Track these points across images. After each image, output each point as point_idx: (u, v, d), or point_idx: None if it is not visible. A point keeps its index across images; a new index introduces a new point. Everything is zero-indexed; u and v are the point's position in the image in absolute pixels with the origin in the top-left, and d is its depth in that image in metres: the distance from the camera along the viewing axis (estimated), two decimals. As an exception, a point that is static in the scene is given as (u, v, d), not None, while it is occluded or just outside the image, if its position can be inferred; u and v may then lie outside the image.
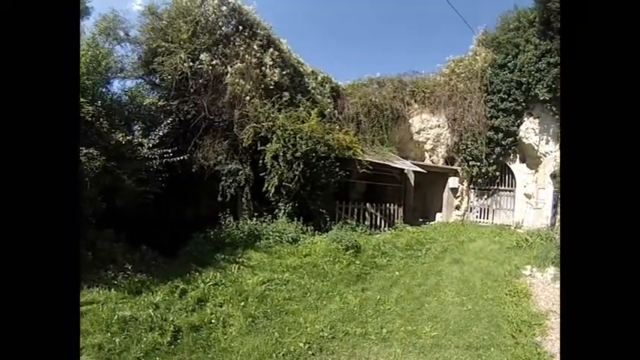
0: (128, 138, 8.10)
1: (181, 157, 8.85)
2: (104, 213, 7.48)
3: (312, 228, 10.17)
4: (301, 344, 5.00)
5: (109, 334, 4.96)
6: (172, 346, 4.98)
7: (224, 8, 11.47)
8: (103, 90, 9.50)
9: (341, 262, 8.17)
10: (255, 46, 11.58)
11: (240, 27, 11.59)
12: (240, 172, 10.44)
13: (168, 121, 9.03)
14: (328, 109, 13.54)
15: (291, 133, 10.50)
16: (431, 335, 5.52)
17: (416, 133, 16.64)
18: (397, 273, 8.40)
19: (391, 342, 5.32)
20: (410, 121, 16.55)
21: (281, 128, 10.56)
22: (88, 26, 11.37)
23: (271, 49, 11.94)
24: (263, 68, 11.57)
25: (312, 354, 4.83)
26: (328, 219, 11.08)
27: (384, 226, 13.63)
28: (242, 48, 11.39)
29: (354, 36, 36.91)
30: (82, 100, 7.44)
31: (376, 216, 13.67)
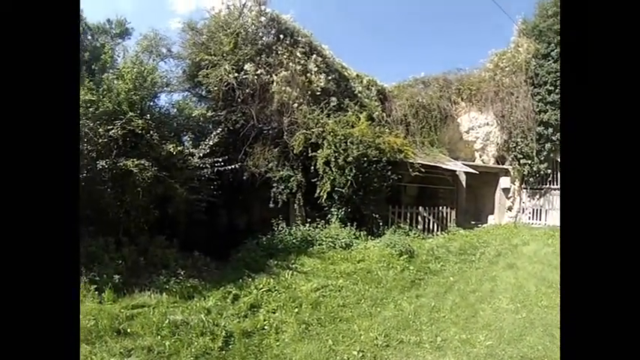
0: (179, 148, 8.18)
1: (232, 166, 8.88)
2: (157, 220, 7.64)
3: (365, 233, 9.94)
4: (355, 352, 4.79)
5: (159, 337, 4.94)
6: (223, 352, 4.88)
7: (262, 19, 11.54)
8: (151, 104, 9.67)
9: (395, 268, 7.91)
10: (298, 54, 11.53)
11: (281, 36, 11.61)
12: (292, 178, 10.37)
13: (218, 131, 9.11)
14: (376, 113, 13.28)
15: (342, 138, 10.36)
16: (485, 344, 5.18)
17: (465, 132, 15.99)
18: (451, 278, 8.06)
19: (445, 351, 5.03)
20: (458, 120, 15.92)
21: (331, 134, 10.43)
22: (130, 45, 11.85)
23: (314, 56, 11.89)
24: (308, 75, 11.50)
25: None
26: (381, 224, 10.81)
27: (437, 230, 13.09)
28: (285, 56, 11.36)
29: (391, 35, 36.29)
30: (131, 113, 7.69)
31: (429, 219, 13.17)
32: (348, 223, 9.99)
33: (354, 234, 9.70)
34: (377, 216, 10.83)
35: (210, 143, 8.72)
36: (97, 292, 5.98)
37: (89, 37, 12.75)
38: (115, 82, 8.42)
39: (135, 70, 8.60)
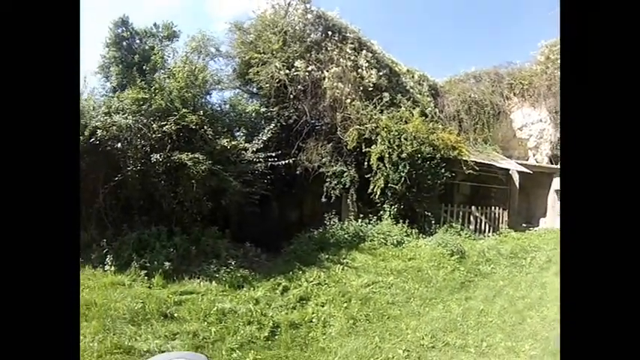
0: (233, 143, 8.32)
1: (286, 161, 8.94)
2: (210, 212, 7.73)
3: (417, 231, 9.66)
4: (400, 351, 4.65)
5: (205, 323, 4.98)
6: (269, 341, 4.86)
7: (309, 16, 11.45)
8: (203, 101, 9.91)
9: (445, 268, 7.65)
10: (347, 50, 11.38)
11: (329, 32, 11.50)
12: (345, 173, 10.21)
13: (271, 127, 9.20)
14: (429, 108, 12.89)
15: (396, 134, 10.15)
16: (529, 354, 4.92)
17: (518, 129, 15.13)
18: (501, 282, 7.70)
19: (489, 357, 4.82)
20: (511, 116, 15.10)
21: (385, 129, 10.23)
22: (179, 47, 12.09)
23: (364, 51, 11.70)
24: (359, 70, 11.33)
25: None
26: (433, 222, 10.43)
27: (489, 231, 12.46)
28: (335, 52, 11.24)
29: (438, 29, 35.11)
30: (184, 110, 7.86)
31: (481, 220, 12.55)
32: (400, 220, 9.73)
33: (406, 231, 9.44)
34: (429, 214, 10.48)
35: (264, 138, 8.81)
36: (146, 277, 6.14)
37: (137, 41, 13.19)
38: (167, 80, 8.64)
39: (185, 68, 8.82)
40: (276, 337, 5.00)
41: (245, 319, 5.18)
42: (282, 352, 4.68)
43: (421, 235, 9.58)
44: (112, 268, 6.37)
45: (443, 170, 10.54)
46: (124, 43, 12.96)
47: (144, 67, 11.04)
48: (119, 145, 7.39)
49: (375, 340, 5.00)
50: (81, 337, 4.56)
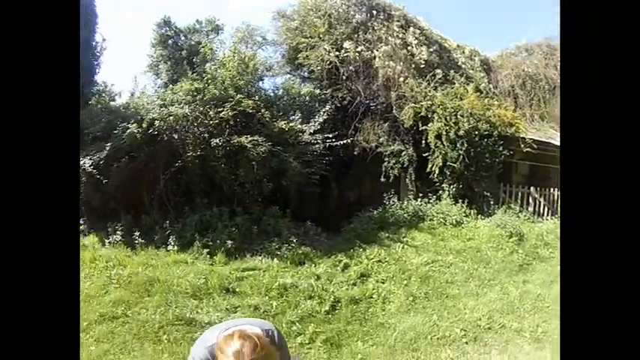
0: (290, 125, 8.45)
1: (343, 141, 8.99)
2: (270, 193, 7.88)
3: (476, 212, 9.42)
4: (457, 330, 4.63)
5: (266, 297, 5.12)
6: (329, 315, 4.95)
7: (352, -2, 11.22)
8: (257, 87, 10.16)
9: (504, 250, 7.45)
10: (394, 28, 11.11)
11: (374, 12, 11.24)
12: (403, 152, 10.09)
13: (326, 109, 9.24)
14: (483, 84, 12.35)
15: (452, 111, 9.85)
16: None
17: (575, 105, 14.28)
18: (558, 268, 7.35)
19: (544, 344, 4.72)
20: (567, 91, 14.23)
21: (440, 107, 9.96)
22: (225, 39, 12.39)
23: (411, 28, 11.40)
24: (409, 48, 11.03)
25: (466, 342, 4.45)
26: (492, 202, 10.12)
27: (547, 214, 11.83)
28: (382, 31, 10.98)
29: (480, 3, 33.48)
30: (239, 96, 8.01)
31: (539, 201, 12.03)
32: (459, 200, 9.53)
33: (465, 212, 9.26)
34: (488, 194, 10.17)
35: (320, 120, 8.83)
36: (208, 256, 6.32)
37: (182, 38, 13.55)
38: (218, 71, 8.83)
39: (235, 58, 9.06)
40: (336, 311, 5.08)
41: (306, 293, 5.30)
42: (342, 326, 4.76)
43: (480, 215, 9.34)
44: (175, 248, 6.58)
45: (501, 148, 10.16)
46: (170, 42, 13.46)
47: (193, 59, 11.35)
48: (176, 134, 7.62)
49: (434, 317, 4.99)
50: (143, 311, 4.85)
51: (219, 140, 7.42)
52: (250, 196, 7.66)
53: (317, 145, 8.49)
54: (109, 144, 7.33)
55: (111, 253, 6.37)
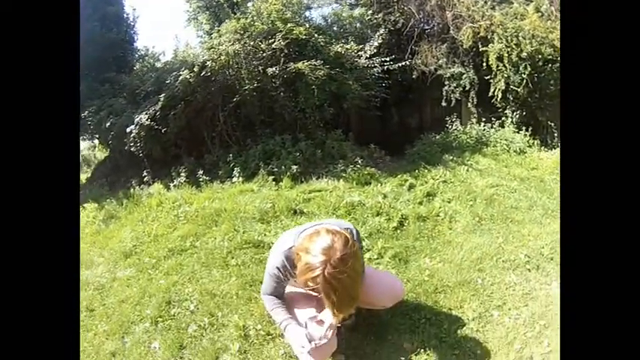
0: (347, 47, 8.23)
1: (402, 63, 8.72)
2: (332, 117, 7.82)
3: (539, 142, 8.91)
4: (522, 255, 4.41)
5: (334, 215, 5.07)
6: (397, 231, 4.86)
7: None
8: (305, 17, 9.93)
9: None
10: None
11: None
12: (464, 75, 9.56)
13: (380, 32, 8.92)
14: (544, 6, 11.19)
15: (512, 31, 9.12)
16: None
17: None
18: None
19: None
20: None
21: (500, 27, 9.25)
22: None
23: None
24: (462, -36, 10.16)
25: (529, 269, 4.22)
26: (556, 134, 9.32)
27: None
28: (430, -52, 10.12)
29: None
30: (289, 25, 7.83)
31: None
32: (523, 128, 9.02)
33: (528, 141, 8.78)
34: (552, 124, 9.42)
35: (375, 44, 8.56)
36: (274, 182, 6.35)
37: None
38: (262, 5, 8.56)
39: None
40: (404, 228, 4.98)
41: (374, 210, 5.22)
42: (410, 242, 4.66)
43: (543, 147, 8.89)
44: (240, 179, 6.67)
45: None
46: (205, -8, 13.12)
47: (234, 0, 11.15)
48: (230, 71, 7.58)
49: (499, 240, 4.80)
50: (211, 240, 4.93)
51: (276, 69, 7.32)
52: (312, 121, 7.59)
53: (375, 69, 8.28)
54: (162, 95, 7.46)
55: (177, 195, 6.51)
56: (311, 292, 2.71)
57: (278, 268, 2.59)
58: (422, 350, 3.16)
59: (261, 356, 3.20)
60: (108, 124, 8.07)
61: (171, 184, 7.12)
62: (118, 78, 10.05)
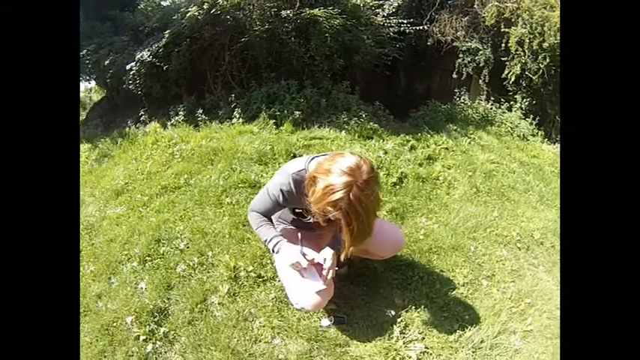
0: (366, 0, 7.99)
1: (419, 27, 8.53)
2: (341, 68, 7.58)
3: (543, 134, 8.90)
4: (514, 233, 4.45)
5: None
6: (396, 187, 4.83)
7: None
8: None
9: None
10: None
11: None
12: (480, 52, 9.36)
13: None
14: None
15: (539, 19, 8.80)
16: None
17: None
18: None
19: None
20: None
21: (527, 12, 8.93)
22: None
23: None
24: None
25: (519, 248, 4.26)
26: None
27: None
28: None
29: None
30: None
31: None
32: (530, 116, 9.01)
33: (533, 130, 8.82)
34: (559, 120, 9.24)
35: (395, 4, 8.37)
36: (275, 126, 6.21)
37: None
38: None
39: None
40: (403, 185, 4.96)
41: (374, 163, 5.17)
42: (408, 200, 4.63)
43: (546, 139, 8.87)
44: (240, 120, 6.52)
45: None
46: None
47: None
48: (241, 11, 7.27)
49: (494, 214, 4.82)
50: (206, 178, 4.79)
51: (290, 12, 7.03)
52: (320, 70, 7.34)
53: (391, 29, 8.05)
54: (167, 32, 7.18)
55: (173, 133, 6.35)
56: (306, 231, 2.64)
57: (282, 189, 2.38)
58: (413, 307, 3.12)
59: (250, 299, 3.10)
60: (107, 62, 7.81)
61: (169, 123, 6.96)
62: (121, 16, 9.69)
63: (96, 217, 4.60)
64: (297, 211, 2.62)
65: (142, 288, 3.27)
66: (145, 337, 2.85)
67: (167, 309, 3.07)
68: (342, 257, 2.41)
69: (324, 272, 2.46)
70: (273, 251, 2.54)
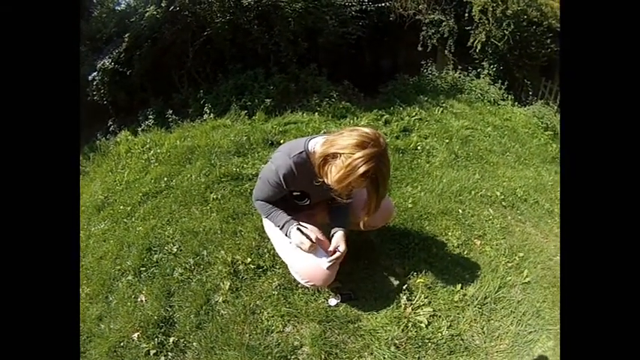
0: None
1: (380, 4, 8.48)
2: (306, 51, 7.49)
3: (513, 98, 9.03)
4: (498, 193, 4.55)
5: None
6: (377, 159, 4.91)
7: None
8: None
9: (539, 139, 7.19)
10: None
11: None
12: (444, 23, 9.30)
13: None
14: None
15: (501, -13, 8.94)
16: None
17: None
18: None
19: None
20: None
21: (489, -19, 9.03)
22: None
23: None
24: None
25: (504, 206, 4.36)
26: (531, 93, 9.51)
27: None
28: None
29: None
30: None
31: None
32: (499, 82, 9.07)
33: (502, 95, 8.90)
34: (528, 83, 9.54)
35: (354, -17, 8.17)
36: (247, 117, 6.14)
37: None
38: None
39: None
40: (383, 157, 5.02)
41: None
42: (391, 171, 4.67)
43: (516, 103, 9.02)
44: (211, 116, 6.38)
45: (549, 41, 9.34)
46: None
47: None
48: (201, 5, 7.01)
49: (476, 176, 4.92)
50: (187, 177, 4.68)
51: (251, 1, 6.84)
52: (285, 55, 7.23)
53: (353, 8, 7.94)
54: (126, 35, 6.90)
55: (145, 139, 6.14)
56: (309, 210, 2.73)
57: (284, 173, 2.35)
58: (414, 274, 3.14)
59: (254, 291, 3.01)
60: (67, 76, 7.44)
61: (139, 129, 6.71)
62: (76, 26, 9.22)
63: (80, 237, 4.42)
64: (295, 193, 2.61)
65: (141, 300, 3.12)
66: (155, 351, 2.70)
67: (172, 317, 2.94)
68: (362, 226, 2.56)
69: (336, 255, 2.58)
70: (286, 235, 2.61)
